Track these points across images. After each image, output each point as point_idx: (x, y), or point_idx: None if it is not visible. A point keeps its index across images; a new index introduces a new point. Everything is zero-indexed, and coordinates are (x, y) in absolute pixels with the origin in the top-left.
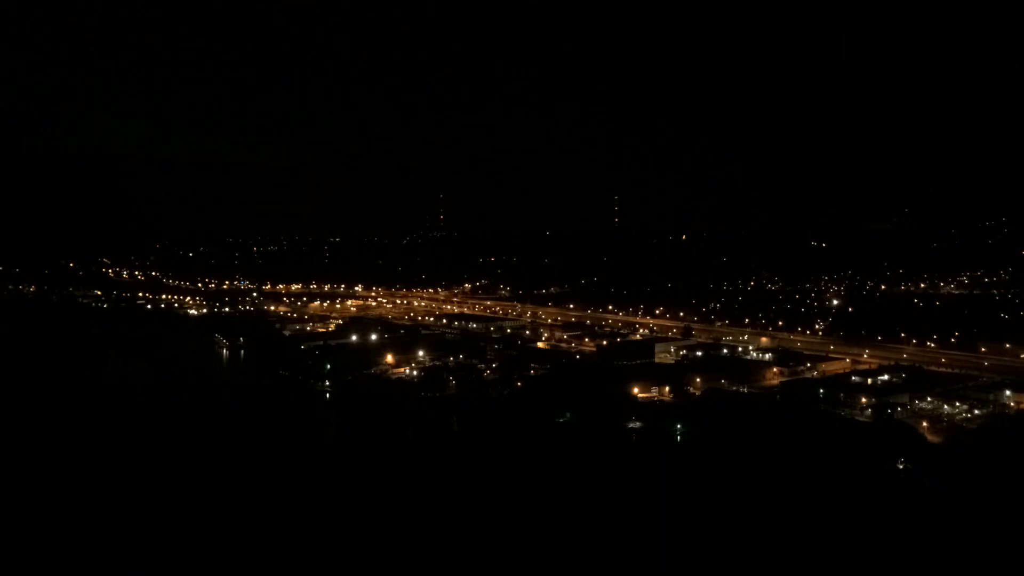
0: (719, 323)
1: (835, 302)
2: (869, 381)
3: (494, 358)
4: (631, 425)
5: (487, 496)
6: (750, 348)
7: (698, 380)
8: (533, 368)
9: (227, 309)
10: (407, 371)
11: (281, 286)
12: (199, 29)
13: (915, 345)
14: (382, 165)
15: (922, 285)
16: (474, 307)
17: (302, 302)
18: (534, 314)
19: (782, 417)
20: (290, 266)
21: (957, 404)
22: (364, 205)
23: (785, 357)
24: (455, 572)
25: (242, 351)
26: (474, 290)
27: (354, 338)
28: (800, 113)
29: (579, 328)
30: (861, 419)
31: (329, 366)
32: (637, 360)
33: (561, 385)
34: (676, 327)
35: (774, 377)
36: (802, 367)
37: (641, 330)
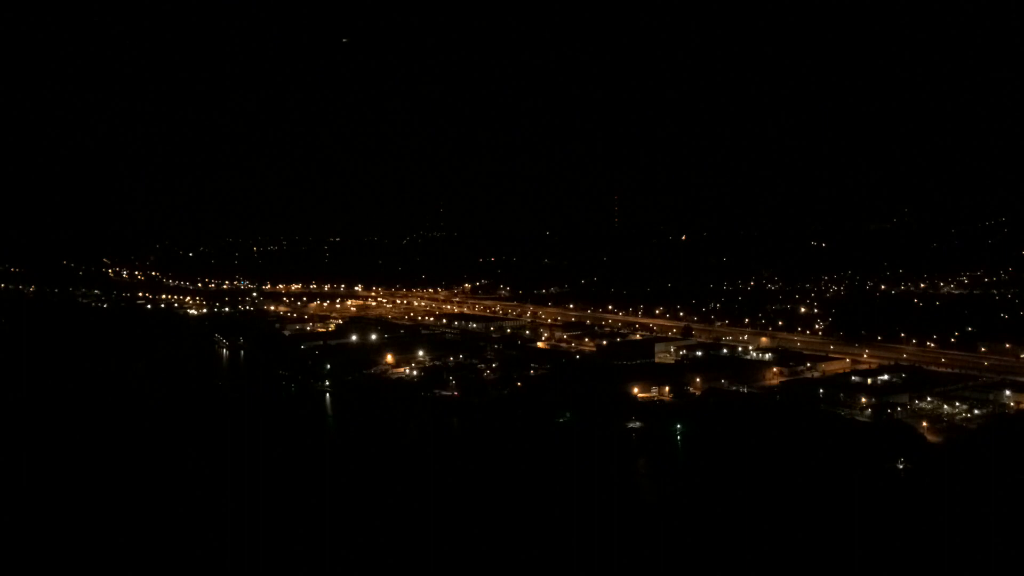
0: (719, 323)
1: (835, 302)
2: (869, 381)
3: (494, 358)
4: (631, 425)
5: (487, 496)
6: (750, 348)
7: (698, 380)
8: (533, 368)
9: (227, 309)
10: (407, 371)
11: (281, 286)
12: (199, 28)
13: (915, 345)
14: (382, 165)
15: (922, 285)
16: (474, 307)
17: (302, 302)
18: (534, 314)
19: (782, 417)
20: (290, 266)
21: (957, 404)
22: (364, 205)
23: (785, 357)
24: (455, 571)
25: (242, 351)
26: (474, 290)
27: (354, 338)
28: (800, 113)
29: (579, 328)
30: (861, 419)
31: (329, 366)
32: (637, 360)
33: (561, 385)
34: (676, 327)
35: (774, 377)
36: (802, 367)
37: (641, 330)
